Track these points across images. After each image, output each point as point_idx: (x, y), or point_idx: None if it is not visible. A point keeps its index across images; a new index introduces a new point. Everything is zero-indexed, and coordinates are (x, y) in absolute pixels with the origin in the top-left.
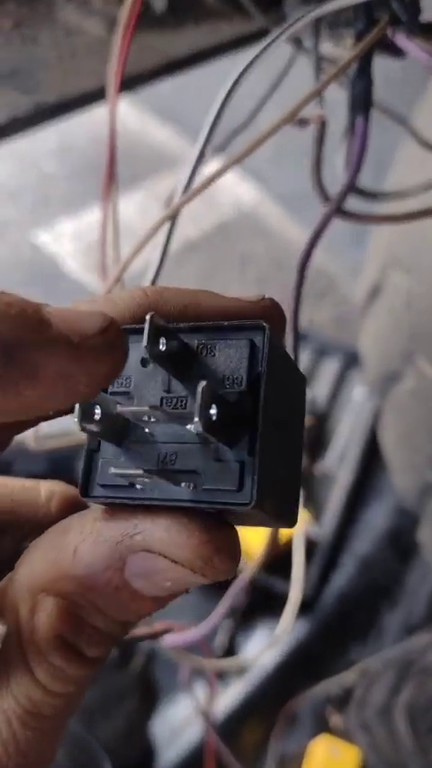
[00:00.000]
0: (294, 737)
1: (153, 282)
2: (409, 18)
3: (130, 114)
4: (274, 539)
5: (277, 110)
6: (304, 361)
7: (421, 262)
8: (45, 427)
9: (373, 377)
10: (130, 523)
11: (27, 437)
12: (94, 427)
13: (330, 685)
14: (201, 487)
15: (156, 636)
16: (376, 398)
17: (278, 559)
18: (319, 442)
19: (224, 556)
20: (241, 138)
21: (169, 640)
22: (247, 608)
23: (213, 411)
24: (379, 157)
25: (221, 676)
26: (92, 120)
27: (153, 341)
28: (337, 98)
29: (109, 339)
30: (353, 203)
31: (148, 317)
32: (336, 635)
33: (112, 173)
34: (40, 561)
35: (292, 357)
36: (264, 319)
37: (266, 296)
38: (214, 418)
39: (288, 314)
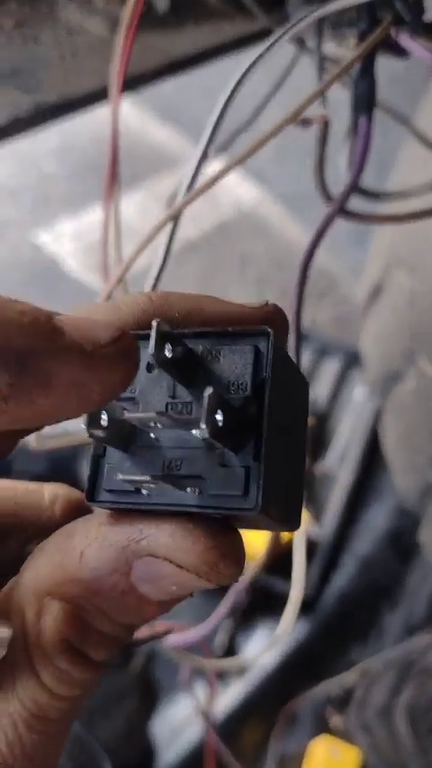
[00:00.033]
0: (294, 738)
1: (155, 283)
2: (412, 18)
3: (130, 114)
4: (275, 539)
5: (279, 110)
6: (305, 361)
7: (424, 261)
8: (46, 427)
9: (375, 377)
10: (135, 528)
11: (28, 437)
12: (101, 433)
13: (331, 686)
14: (206, 493)
15: (157, 637)
16: (377, 398)
17: (278, 559)
18: (319, 442)
19: (229, 561)
20: (243, 137)
21: (170, 640)
22: (247, 608)
23: (219, 417)
24: (381, 157)
25: (221, 676)
26: (92, 119)
27: (159, 347)
28: (340, 98)
29: (122, 348)
30: (355, 203)
31: (154, 324)
32: (336, 635)
33: (115, 173)
34: (46, 565)
35: (295, 357)
36: (267, 325)
37: (270, 302)
38: (220, 424)
39: (290, 314)
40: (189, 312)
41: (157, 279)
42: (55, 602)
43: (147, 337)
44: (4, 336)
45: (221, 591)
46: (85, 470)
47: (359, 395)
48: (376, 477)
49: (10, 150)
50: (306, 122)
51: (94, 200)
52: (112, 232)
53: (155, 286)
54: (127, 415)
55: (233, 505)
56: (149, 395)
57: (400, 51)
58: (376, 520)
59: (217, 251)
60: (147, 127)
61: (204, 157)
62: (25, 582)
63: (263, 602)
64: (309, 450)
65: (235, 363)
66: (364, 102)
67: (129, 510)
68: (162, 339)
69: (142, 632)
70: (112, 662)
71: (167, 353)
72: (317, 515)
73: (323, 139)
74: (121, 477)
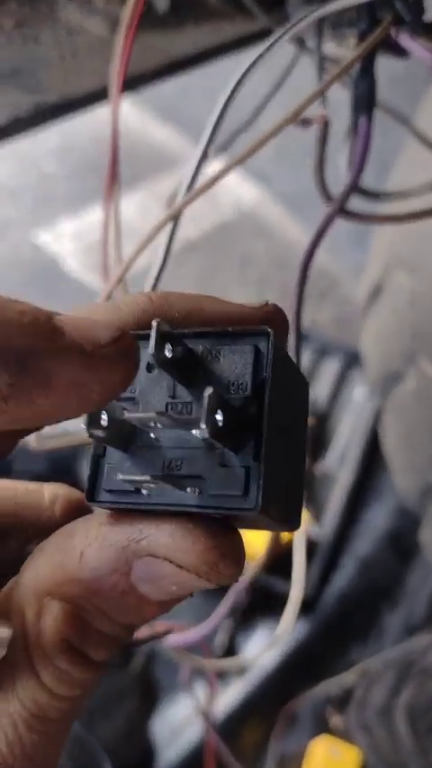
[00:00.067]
0: (294, 737)
1: (155, 283)
2: (412, 18)
3: (130, 114)
4: (275, 539)
5: (279, 109)
6: (305, 361)
7: (425, 261)
8: (46, 427)
9: (375, 377)
10: (135, 528)
11: (28, 437)
12: (101, 433)
13: (330, 686)
14: (206, 493)
15: (157, 637)
16: (377, 398)
17: (278, 559)
18: (319, 442)
19: (229, 561)
20: (244, 137)
21: (170, 640)
22: (247, 608)
23: (219, 417)
24: (381, 157)
25: (221, 676)
26: (93, 119)
27: (159, 347)
28: (340, 98)
29: (122, 348)
30: (355, 203)
31: (154, 324)
32: (336, 635)
33: (115, 173)
34: (46, 565)
35: (295, 357)
36: (267, 325)
37: (270, 301)
38: (220, 424)
39: (290, 314)
40: (189, 312)
41: (157, 279)
42: (55, 602)
43: (147, 337)
44: (5, 336)
45: (221, 591)
46: (85, 470)
47: (359, 395)
48: (376, 477)
49: (10, 150)
50: (306, 122)
51: (95, 200)
52: (112, 232)
53: (155, 286)
54: (127, 415)
55: (233, 505)
56: (149, 395)
57: (400, 51)
58: (376, 520)
59: (217, 251)
60: (147, 127)
61: (204, 157)
62: (25, 582)
63: (263, 602)
64: (309, 450)
65: (235, 363)
66: (364, 102)
67: (129, 510)
68: (162, 339)
69: (142, 632)
70: (111, 662)
71: (167, 353)
72: (317, 515)
73: (323, 139)
74: (121, 477)
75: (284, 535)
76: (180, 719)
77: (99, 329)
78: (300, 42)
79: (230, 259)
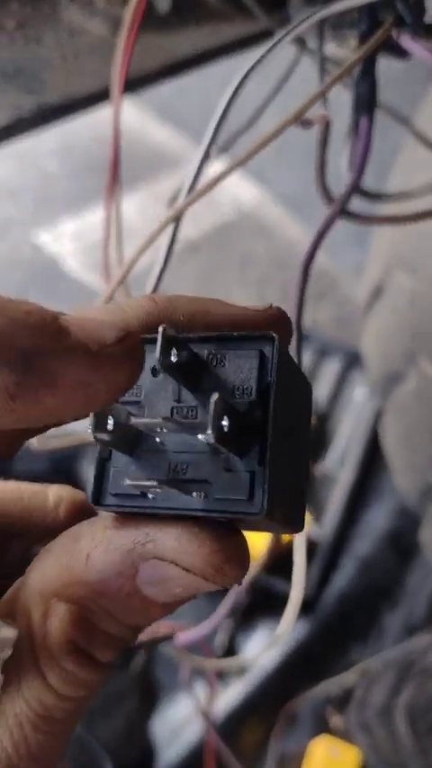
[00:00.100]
0: (294, 737)
1: (157, 283)
2: (413, 19)
3: (130, 114)
4: (275, 540)
5: (280, 110)
6: (306, 361)
7: (425, 261)
8: None
9: (375, 377)
10: (141, 531)
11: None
12: (106, 437)
13: (330, 686)
14: (212, 497)
15: (159, 641)
16: (377, 399)
17: (279, 560)
18: (320, 442)
19: (234, 564)
20: (244, 138)
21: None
22: (247, 608)
23: (225, 423)
24: (381, 158)
25: (221, 676)
26: (93, 119)
27: (165, 352)
28: (341, 98)
29: (127, 348)
30: (356, 204)
31: (160, 330)
32: (336, 635)
33: (116, 174)
34: (53, 567)
35: (296, 358)
36: (271, 328)
37: (273, 304)
38: (226, 429)
39: (291, 315)
40: (194, 315)
41: (159, 279)
42: (61, 603)
43: (151, 341)
44: (11, 336)
45: (222, 591)
46: (85, 470)
47: (359, 395)
48: (376, 477)
49: (10, 150)
50: (307, 123)
51: (95, 200)
52: (113, 232)
53: (156, 286)
54: (134, 420)
55: (238, 509)
56: (155, 399)
57: (401, 52)
58: (376, 520)
59: (217, 251)
60: (147, 127)
61: (206, 158)
62: (31, 583)
63: (263, 602)
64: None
65: (240, 368)
66: (365, 102)
67: (134, 513)
68: (168, 344)
69: (144, 635)
70: (116, 663)
71: (173, 358)
72: (317, 515)
73: (324, 140)
74: (129, 483)
75: (285, 535)
76: (180, 719)
77: (105, 329)
78: (301, 43)
79: (230, 259)
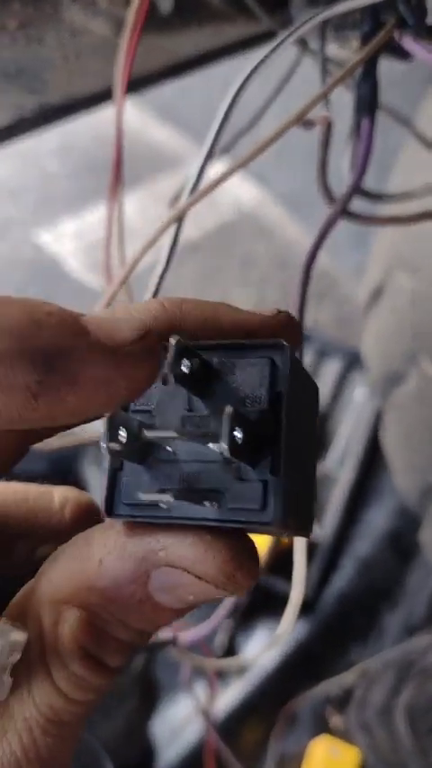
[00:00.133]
0: (294, 737)
1: (158, 284)
2: (415, 21)
3: (130, 114)
4: (276, 540)
5: (281, 111)
6: (306, 361)
7: (426, 262)
8: None
9: (376, 377)
10: (153, 539)
11: None
12: (118, 447)
13: (330, 686)
14: (225, 506)
15: (161, 646)
16: (378, 399)
17: (279, 560)
18: (320, 442)
19: (246, 572)
20: (246, 139)
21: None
22: (247, 608)
23: (239, 435)
24: (382, 158)
25: (222, 676)
26: (94, 119)
27: (176, 362)
28: (342, 99)
29: (146, 346)
30: (357, 204)
31: (172, 341)
32: (336, 635)
33: (119, 174)
34: (64, 572)
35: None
36: (281, 334)
37: (282, 310)
38: (240, 441)
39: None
40: (204, 320)
41: (161, 280)
42: (72, 609)
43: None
44: (33, 336)
45: None
46: (85, 470)
47: (360, 395)
48: (376, 477)
49: (11, 150)
50: (309, 124)
51: (96, 200)
52: (115, 233)
53: (158, 287)
54: (147, 434)
55: (251, 519)
56: (166, 408)
57: (403, 54)
58: (376, 520)
59: (217, 251)
60: (147, 127)
61: (209, 159)
62: (42, 588)
63: (263, 603)
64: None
65: (251, 376)
66: (367, 104)
67: (148, 523)
68: (179, 353)
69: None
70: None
71: (184, 369)
72: (317, 516)
73: (326, 141)
74: (143, 497)
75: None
76: (180, 719)
77: (124, 329)
78: (303, 44)
79: (231, 259)
